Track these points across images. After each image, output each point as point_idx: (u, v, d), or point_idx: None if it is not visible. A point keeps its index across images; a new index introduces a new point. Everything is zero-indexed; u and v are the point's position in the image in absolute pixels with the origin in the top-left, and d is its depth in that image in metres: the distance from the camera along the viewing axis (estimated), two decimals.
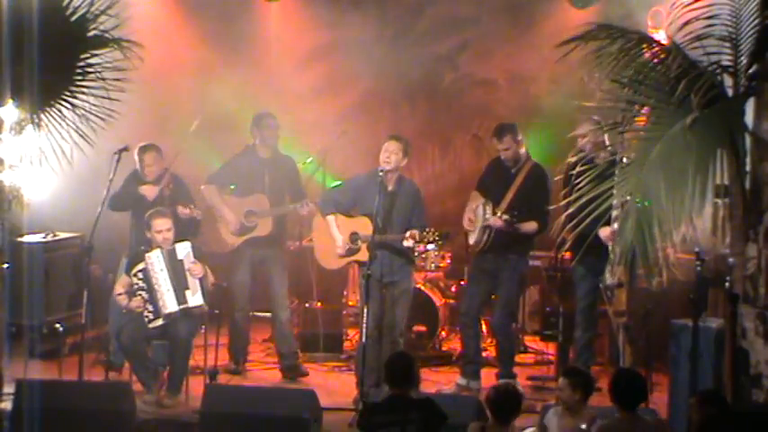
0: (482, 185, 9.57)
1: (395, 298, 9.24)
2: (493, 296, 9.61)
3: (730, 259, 7.66)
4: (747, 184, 7.20)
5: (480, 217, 9.31)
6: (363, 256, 9.11)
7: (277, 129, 9.82)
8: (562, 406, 7.25)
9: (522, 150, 9.45)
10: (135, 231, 9.62)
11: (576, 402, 7.16)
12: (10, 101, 8.37)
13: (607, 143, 8.72)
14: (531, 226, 9.26)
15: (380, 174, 9.10)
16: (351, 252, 9.30)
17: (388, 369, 7.08)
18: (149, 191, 9.54)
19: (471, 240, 9.52)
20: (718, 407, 6.73)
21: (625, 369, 8.36)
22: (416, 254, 10.04)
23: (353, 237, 9.25)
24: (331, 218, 9.35)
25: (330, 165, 10.66)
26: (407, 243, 9.06)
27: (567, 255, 9.66)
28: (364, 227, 9.14)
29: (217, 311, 9.27)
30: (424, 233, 9.04)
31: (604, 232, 8.36)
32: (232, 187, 9.87)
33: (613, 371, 7.91)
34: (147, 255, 9.03)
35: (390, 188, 9.22)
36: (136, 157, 9.65)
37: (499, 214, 9.20)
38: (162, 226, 9.05)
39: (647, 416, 7.24)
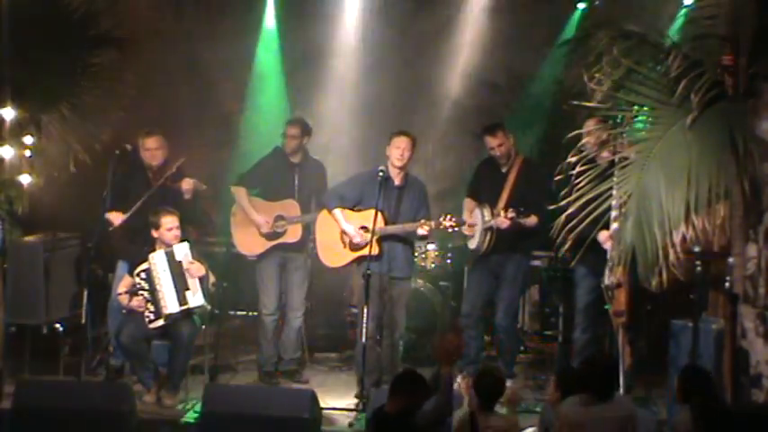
0: (473, 191, 9.51)
1: (394, 299, 9.24)
2: (495, 296, 9.58)
3: (730, 259, 7.66)
4: (747, 184, 7.20)
5: (480, 220, 9.25)
6: (371, 251, 9.08)
7: (294, 139, 9.63)
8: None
9: (512, 146, 9.44)
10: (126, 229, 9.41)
11: (555, 401, 7.12)
12: (10, 102, 8.39)
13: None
14: (532, 221, 9.20)
15: (381, 173, 9.10)
16: (358, 246, 9.26)
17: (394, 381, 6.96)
18: (115, 218, 9.33)
19: (472, 245, 9.42)
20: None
21: (594, 356, 8.21)
22: (416, 254, 10.04)
23: (361, 230, 9.23)
24: (337, 211, 9.33)
25: (330, 165, 10.64)
26: (422, 231, 9.06)
27: (568, 255, 9.67)
28: (372, 220, 9.12)
29: (217, 311, 9.27)
30: (441, 219, 9.06)
31: (602, 236, 8.36)
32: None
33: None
34: (150, 255, 9.02)
35: (398, 183, 9.23)
36: (140, 143, 9.42)
37: (503, 214, 9.12)
38: (172, 223, 9.04)
39: (620, 407, 7.13)
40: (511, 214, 9.09)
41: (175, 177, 9.44)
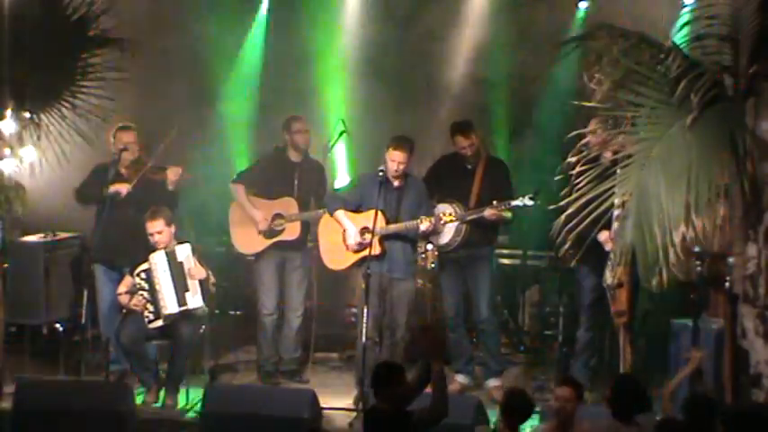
0: (432, 190, 9.46)
1: (395, 299, 9.24)
2: (474, 291, 9.59)
3: (730, 259, 7.66)
4: (747, 184, 7.20)
5: (447, 214, 9.23)
6: (372, 250, 9.07)
7: (307, 133, 9.71)
8: (559, 418, 7.13)
9: (479, 144, 9.53)
10: (100, 229, 9.35)
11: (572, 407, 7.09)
12: (10, 102, 8.39)
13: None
14: (507, 213, 9.30)
15: (380, 174, 9.11)
16: (361, 247, 9.25)
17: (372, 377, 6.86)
18: (123, 187, 9.26)
19: (443, 240, 9.46)
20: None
21: (625, 375, 8.29)
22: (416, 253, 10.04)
23: (364, 231, 9.23)
24: (339, 212, 9.34)
25: (330, 165, 10.65)
26: (423, 227, 9.06)
27: (568, 255, 9.67)
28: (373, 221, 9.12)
29: (217, 311, 9.26)
30: (441, 214, 9.09)
31: (602, 236, 8.36)
32: None
33: (614, 377, 7.85)
34: (150, 255, 9.01)
35: (397, 184, 9.24)
36: (112, 138, 9.37)
37: (517, 200, 9.15)
38: (153, 228, 8.99)
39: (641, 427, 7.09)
40: (515, 203, 9.12)
41: (156, 169, 9.39)
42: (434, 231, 9.30)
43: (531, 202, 9.10)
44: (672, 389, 7.54)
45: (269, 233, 9.62)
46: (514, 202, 9.14)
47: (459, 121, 9.71)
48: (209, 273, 9.06)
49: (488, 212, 9.18)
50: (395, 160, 9.16)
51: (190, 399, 8.97)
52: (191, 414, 8.73)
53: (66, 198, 9.81)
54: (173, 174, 9.32)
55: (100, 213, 9.30)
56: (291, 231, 9.61)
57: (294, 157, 9.70)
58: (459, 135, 9.47)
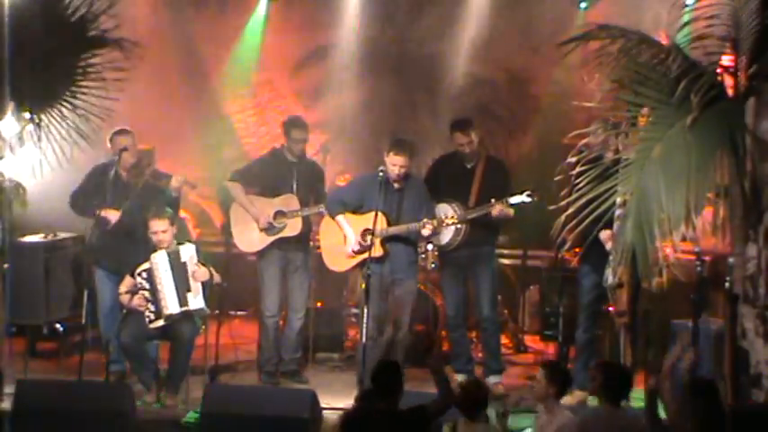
0: (436, 189, 9.48)
1: (397, 299, 9.25)
2: (476, 291, 9.60)
3: (730, 259, 7.66)
4: (747, 184, 7.20)
5: (449, 216, 9.24)
6: (374, 252, 9.08)
7: (304, 142, 9.67)
8: (537, 400, 7.26)
9: (478, 143, 9.54)
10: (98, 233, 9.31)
11: (549, 397, 7.16)
12: (10, 102, 8.39)
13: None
14: (509, 212, 9.31)
15: (380, 174, 9.11)
16: (362, 249, 9.25)
17: (371, 376, 6.94)
18: (112, 216, 9.26)
19: (443, 240, 9.48)
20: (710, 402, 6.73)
21: (611, 362, 8.35)
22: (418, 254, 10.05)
23: (365, 233, 9.23)
24: (340, 217, 9.35)
25: (330, 165, 10.65)
26: (426, 231, 9.07)
27: (567, 255, 9.67)
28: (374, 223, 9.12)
29: (217, 311, 9.27)
30: (443, 218, 9.12)
31: (605, 235, 8.36)
32: None
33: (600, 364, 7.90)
34: (152, 255, 9.01)
35: (397, 185, 9.24)
36: (108, 144, 9.38)
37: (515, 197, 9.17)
38: (157, 227, 9.00)
39: (634, 413, 7.20)
40: (511, 201, 9.14)
41: (158, 174, 9.40)
42: (435, 233, 9.32)
43: (528, 199, 9.12)
44: (667, 368, 7.54)
45: (271, 230, 9.62)
46: (513, 200, 9.16)
47: (459, 118, 9.74)
48: (213, 273, 9.05)
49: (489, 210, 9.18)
50: (396, 164, 9.16)
51: (190, 399, 8.97)
52: (191, 414, 8.71)
53: (66, 198, 9.82)
54: (176, 182, 9.35)
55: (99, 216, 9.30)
56: (292, 227, 9.62)
57: (291, 156, 9.71)
58: (459, 132, 9.50)
